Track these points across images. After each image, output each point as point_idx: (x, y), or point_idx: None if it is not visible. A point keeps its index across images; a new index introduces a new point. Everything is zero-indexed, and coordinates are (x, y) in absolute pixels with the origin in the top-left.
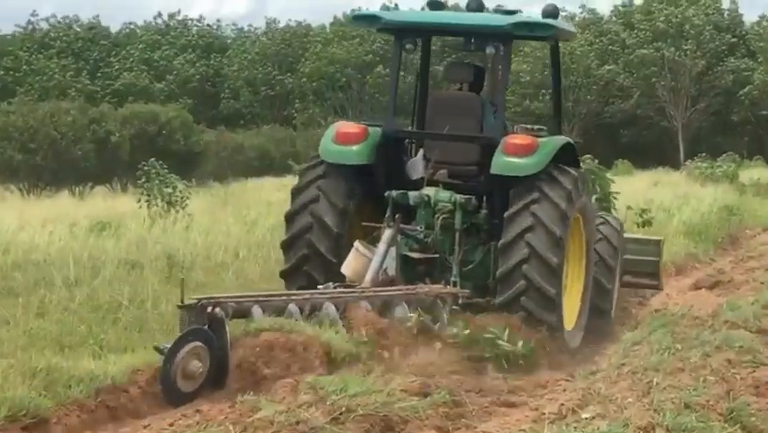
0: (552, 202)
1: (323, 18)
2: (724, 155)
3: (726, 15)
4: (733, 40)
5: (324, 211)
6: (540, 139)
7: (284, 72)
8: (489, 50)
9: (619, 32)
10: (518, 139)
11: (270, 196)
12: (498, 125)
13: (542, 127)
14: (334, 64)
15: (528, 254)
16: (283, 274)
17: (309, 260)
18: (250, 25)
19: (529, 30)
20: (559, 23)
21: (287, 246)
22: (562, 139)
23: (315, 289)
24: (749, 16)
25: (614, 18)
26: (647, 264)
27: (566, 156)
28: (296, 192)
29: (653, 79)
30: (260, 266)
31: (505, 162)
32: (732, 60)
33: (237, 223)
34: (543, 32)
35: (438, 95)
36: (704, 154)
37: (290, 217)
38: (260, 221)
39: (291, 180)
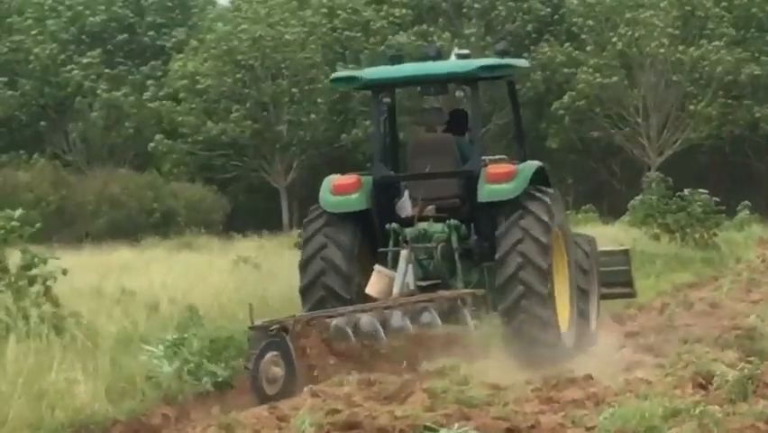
0: (535, 216)
1: None
2: None
3: None
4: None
5: (334, 255)
6: (517, 166)
7: None
8: (459, 93)
9: (359, 10)
10: (498, 168)
11: None
12: (477, 159)
13: (503, 156)
14: None
15: (522, 263)
16: None
17: (326, 301)
18: None
19: (491, 71)
20: (517, 61)
21: (304, 291)
22: (534, 164)
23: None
24: None
25: None
26: (620, 274)
27: (539, 178)
28: (305, 242)
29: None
30: None
31: (490, 190)
32: (544, 48)
33: None
34: (503, 71)
35: (416, 139)
36: None
37: (304, 265)
38: None
39: None
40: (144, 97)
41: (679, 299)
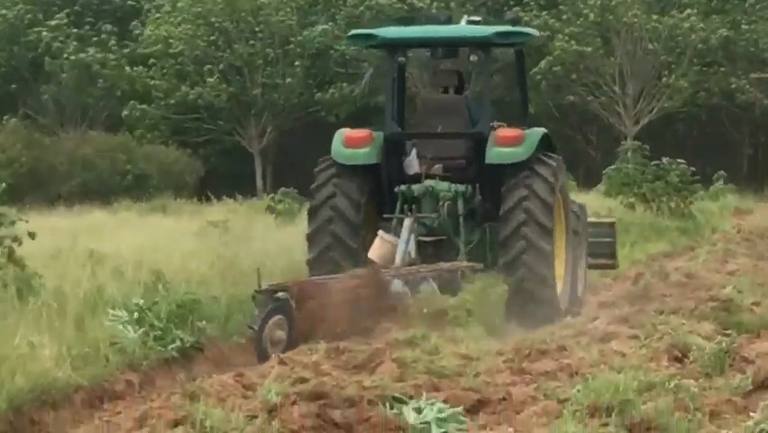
0: (542, 178)
1: None
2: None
3: None
4: None
5: (342, 204)
6: (525, 131)
7: None
8: (473, 57)
9: None
10: (508, 132)
11: None
12: (487, 122)
13: (502, 123)
14: None
15: (526, 219)
16: (309, 263)
17: (333, 248)
18: None
19: (505, 38)
20: (530, 30)
21: (312, 237)
22: (540, 130)
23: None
24: None
25: None
26: (604, 246)
27: (545, 144)
28: (315, 190)
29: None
30: None
31: (499, 152)
32: (519, 14)
33: None
34: (519, 38)
35: (427, 98)
36: None
37: (313, 211)
38: None
39: None
40: (110, 58)
41: (654, 269)
